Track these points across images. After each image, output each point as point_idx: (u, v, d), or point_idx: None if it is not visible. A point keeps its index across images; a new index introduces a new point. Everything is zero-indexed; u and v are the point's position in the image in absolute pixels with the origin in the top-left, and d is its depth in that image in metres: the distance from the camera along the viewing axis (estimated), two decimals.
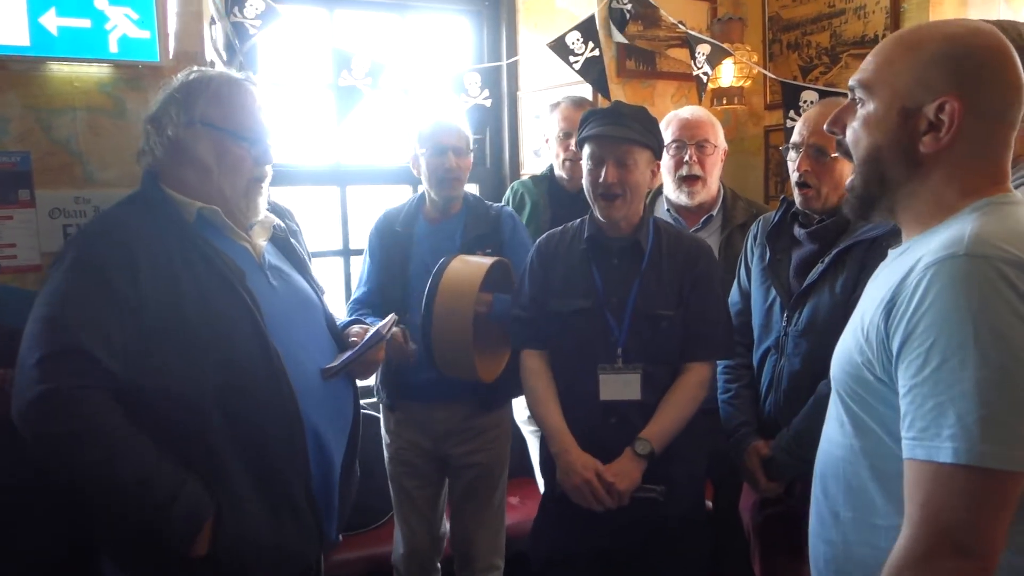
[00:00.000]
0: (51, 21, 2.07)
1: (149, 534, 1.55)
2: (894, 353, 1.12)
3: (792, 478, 2.13)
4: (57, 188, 2.16)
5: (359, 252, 2.79)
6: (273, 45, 3.21)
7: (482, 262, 2.32)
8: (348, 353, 1.89)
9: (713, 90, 3.53)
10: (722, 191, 2.81)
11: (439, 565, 2.74)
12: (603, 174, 2.06)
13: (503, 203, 2.91)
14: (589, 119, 2.13)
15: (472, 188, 3.52)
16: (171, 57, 2.22)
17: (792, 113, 3.28)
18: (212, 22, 2.51)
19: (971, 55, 1.16)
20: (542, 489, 2.31)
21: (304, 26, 3.17)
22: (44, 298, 1.56)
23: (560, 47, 3.17)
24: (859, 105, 1.25)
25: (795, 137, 2.15)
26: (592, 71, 3.19)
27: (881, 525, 1.21)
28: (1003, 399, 1.01)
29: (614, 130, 2.06)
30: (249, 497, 1.64)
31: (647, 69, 3.61)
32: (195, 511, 1.56)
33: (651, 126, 2.12)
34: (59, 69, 2.13)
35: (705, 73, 3.34)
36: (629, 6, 3.36)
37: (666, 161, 2.72)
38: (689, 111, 2.80)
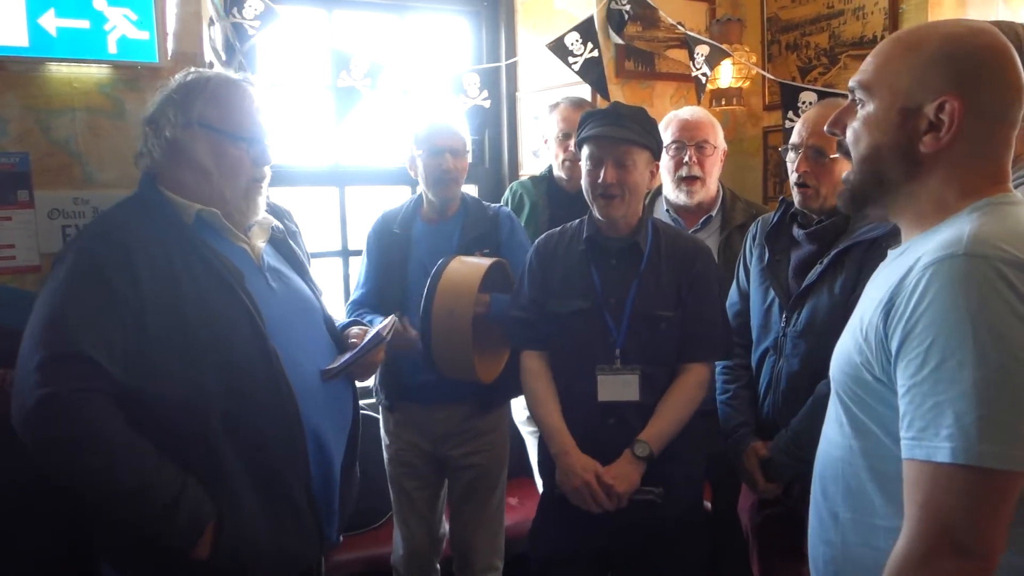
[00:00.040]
0: (50, 22, 2.07)
1: (151, 538, 1.55)
2: (893, 353, 1.12)
3: (790, 479, 2.13)
4: (56, 189, 2.15)
5: (358, 253, 2.79)
6: (272, 46, 3.21)
7: (480, 263, 2.32)
8: (348, 355, 1.88)
9: (712, 91, 3.53)
10: (721, 192, 2.81)
11: (438, 566, 2.74)
12: (602, 175, 2.06)
13: (502, 204, 2.91)
14: (588, 120, 2.13)
15: (471, 189, 3.53)
16: (170, 58, 2.22)
17: (791, 114, 3.29)
18: (211, 23, 2.51)
19: (971, 55, 1.16)
20: (541, 490, 2.31)
21: (303, 27, 3.17)
22: (44, 300, 1.56)
23: (559, 48, 3.17)
24: (859, 106, 1.25)
25: (794, 138, 2.16)
26: (591, 72, 3.19)
27: (880, 526, 1.21)
28: (1002, 399, 1.01)
29: (613, 131, 2.06)
30: (249, 499, 1.64)
31: (646, 70, 3.61)
32: (197, 515, 1.56)
33: (650, 127, 2.12)
34: (58, 70, 2.13)
35: (704, 74, 3.35)
36: (628, 7, 3.36)
37: (665, 162, 2.72)
38: (689, 112, 2.80)
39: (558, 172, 2.99)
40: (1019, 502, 1.05)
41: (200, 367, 1.59)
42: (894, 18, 3.19)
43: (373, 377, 2.59)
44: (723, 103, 3.57)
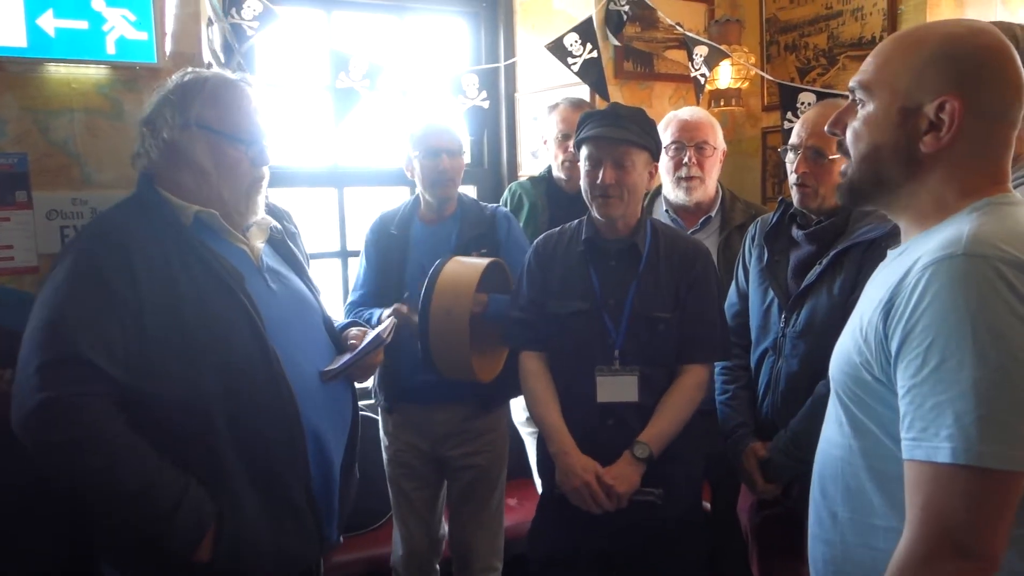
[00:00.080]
0: (48, 23, 2.07)
1: (152, 541, 1.55)
2: (893, 354, 1.12)
3: (790, 479, 2.13)
4: (54, 190, 2.15)
5: (357, 254, 2.79)
6: (271, 47, 3.21)
7: (478, 263, 2.32)
8: (348, 356, 1.88)
9: (711, 91, 3.54)
10: (721, 192, 2.81)
11: (438, 567, 2.74)
12: (600, 175, 2.06)
13: (501, 204, 2.91)
14: (587, 121, 2.13)
15: (470, 190, 3.53)
16: (168, 59, 2.22)
17: (789, 115, 3.29)
18: (209, 23, 2.51)
19: (971, 55, 1.16)
20: (540, 490, 2.31)
21: (302, 28, 3.17)
22: (43, 301, 1.56)
23: (558, 49, 3.17)
24: (860, 106, 1.25)
25: (793, 139, 2.16)
26: (591, 73, 3.19)
27: (879, 526, 1.21)
28: (1002, 399, 1.01)
29: (612, 132, 2.06)
30: (250, 500, 1.64)
31: (645, 71, 3.61)
32: (198, 517, 1.56)
33: (649, 128, 2.12)
34: (56, 70, 2.13)
35: (703, 75, 3.35)
36: (627, 7, 3.36)
37: (665, 162, 2.72)
38: (688, 112, 2.80)
39: (557, 173, 2.99)
40: (1021, 503, 1.05)
41: (199, 368, 1.59)
42: (892, 19, 3.19)
43: (372, 379, 2.59)
44: (722, 104, 3.57)
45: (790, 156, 2.16)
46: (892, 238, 1.78)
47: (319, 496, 1.77)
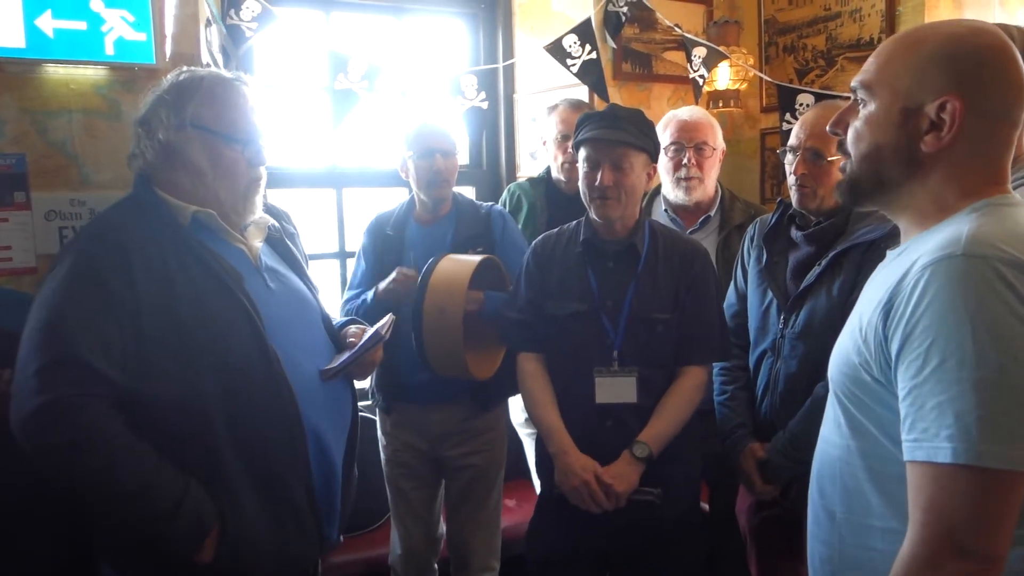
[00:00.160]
0: (47, 23, 2.07)
1: (152, 541, 1.55)
2: (893, 355, 1.12)
3: (788, 480, 2.13)
4: (53, 190, 2.15)
5: (355, 255, 2.79)
6: (269, 48, 3.21)
7: (470, 260, 2.32)
8: (347, 354, 1.88)
9: (709, 93, 3.54)
10: (720, 192, 2.81)
11: (436, 566, 2.74)
12: (599, 177, 2.06)
13: (500, 205, 2.91)
14: (585, 122, 2.13)
15: (468, 191, 3.53)
16: (167, 59, 2.21)
17: (788, 116, 3.29)
18: (208, 24, 2.51)
19: (972, 55, 1.16)
20: (538, 491, 2.31)
21: (300, 29, 3.17)
22: (41, 302, 1.56)
23: (557, 50, 3.18)
24: (861, 106, 1.25)
25: (792, 140, 2.16)
26: (590, 74, 3.20)
27: (877, 526, 1.21)
28: (1002, 399, 1.01)
29: (610, 133, 2.06)
30: (250, 500, 1.64)
31: (643, 72, 3.61)
32: (200, 518, 1.56)
33: (647, 129, 2.12)
34: (55, 71, 2.13)
35: (701, 76, 3.35)
36: (625, 9, 3.36)
37: (664, 162, 2.72)
38: (688, 112, 2.80)
39: (556, 174, 2.99)
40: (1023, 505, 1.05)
41: (197, 368, 1.58)
42: (891, 20, 3.19)
43: (369, 379, 2.59)
44: (720, 105, 3.58)
45: (789, 157, 2.16)
46: (891, 239, 1.78)
47: (320, 496, 1.76)
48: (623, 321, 2.09)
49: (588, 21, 3.18)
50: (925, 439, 1.05)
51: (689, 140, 2.71)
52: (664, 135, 2.71)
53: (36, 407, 1.46)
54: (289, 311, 1.81)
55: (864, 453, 1.22)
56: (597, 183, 2.07)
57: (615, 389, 2.07)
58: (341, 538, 1.92)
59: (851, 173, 1.27)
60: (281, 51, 3.28)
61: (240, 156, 1.74)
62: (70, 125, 2.16)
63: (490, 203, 2.73)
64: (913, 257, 1.14)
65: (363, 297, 2.52)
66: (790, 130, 2.21)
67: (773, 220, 2.28)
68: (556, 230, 2.29)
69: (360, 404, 2.04)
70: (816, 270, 2.09)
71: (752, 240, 2.34)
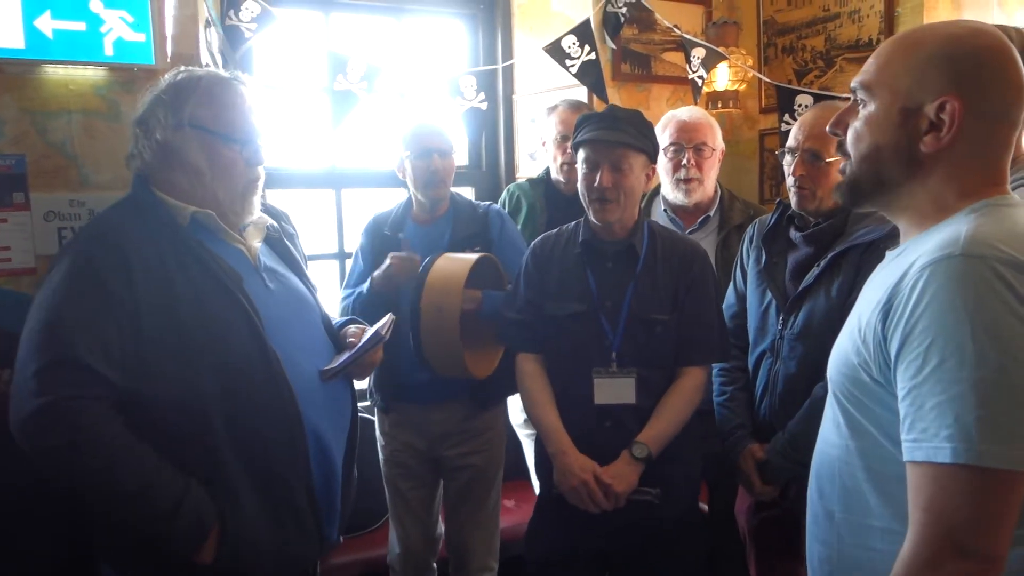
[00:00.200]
0: (46, 24, 2.07)
1: (152, 541, 1.55)
2: (892, 355, 1.12)
3: (787, 481, 2.13)
4: (52, 191, 2.15)
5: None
6: (269, 49, 3.21)
7: (466, 258, 2.32)
8: (347, 354, 1.88)
9: (708, 93, 3.54)
10: (719, 192, 2.81)
11: (435, 565, 2.74)
12: (598, 179, 2.06)
13: (499, 206, 2.91)
14: (584, 123, 2.13)
15: (468, 191, 3.53)
16: (167, 60, 2.21)
17: (787, 117, 3.29)
18: (208, 24, 2.51)
19: (971, 55, 1.16)
20: (537, 491, 2.31)
21: (300, 30, 3.17)
22: (40, 303, 1.56)
23: (556, 51, 3.18)
24: (861, 106, 1.25)
25: (790, 141, 2.16)
26: (589, 74, 3.20)
27: (876, 526, 1.21)
28: (1002, 399, 1.01)
29: (609, 134, 2.06)
30: (250, 500, 1.64)
31: (642, 73, 3.62)
32: (200, 518, 1.56)
33: (646, 130, 2.12)
34: (54, 72, 2.13)
35: (700, 77, 3.35)
36: (624, 10, 3.36)
37: (664, 163, 2.72)
38: (687, 113, 2.80)
39: (556, 175, 2.99)
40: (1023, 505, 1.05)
41: (196, 368, 1.58)
42: (890, 21, 3.19)
43: (368, 379, 2.59)
44: (719, 106, 3.58)
45: (787, 159, 2.16)
46: (891, 240, 1.78)
47: (320, 496, 1.76)
48: (622, 322, 2.09)
49: (587, 22, 3.19)
50: (925, 439, 1.05)
51: (688, 141, 2.71)
52: (663, 136, 2.71)
53: (35, 408, 1.46)
54: (288, 311, 1.81)
55: (863, 453, 1.22)
56: (596, 184, 2.07)
57: (614, 390, 2.07)
58: (341, 538, 1.92)
59: (851, 174, 1.28)
60: (280, 52, 3.28)
61: (238, 156, 1.74)
62: (69, 126, 2.16)
63: (488, 203, 2.73)
64: (912, 258, 1.14)
65: (359, 290, 2.52)
66: (789, 131, 2.22)
67: (772, 221, 2.28)
68: (555, 231, 2.29)
69: (359, 404, 2.04)
70: (815, 271, 2.09)
71: (751, 241, 2.34)
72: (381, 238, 2.60)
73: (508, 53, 3.67)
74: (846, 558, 1.27)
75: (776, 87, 3.41)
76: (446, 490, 2.69)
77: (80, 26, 2.10)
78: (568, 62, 3.18)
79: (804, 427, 2.01)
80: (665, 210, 2.83)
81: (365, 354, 1.89)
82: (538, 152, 3.32)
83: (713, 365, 2.29)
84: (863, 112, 1.25)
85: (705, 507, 2.70)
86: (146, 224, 1.65)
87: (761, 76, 3.62)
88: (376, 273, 2.46)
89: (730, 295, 2.40)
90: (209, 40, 2.54)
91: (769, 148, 3.74)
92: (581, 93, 3.29)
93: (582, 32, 3.17)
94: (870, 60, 1.26)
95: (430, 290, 2.24)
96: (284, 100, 3.30)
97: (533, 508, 2.31)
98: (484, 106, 3.23)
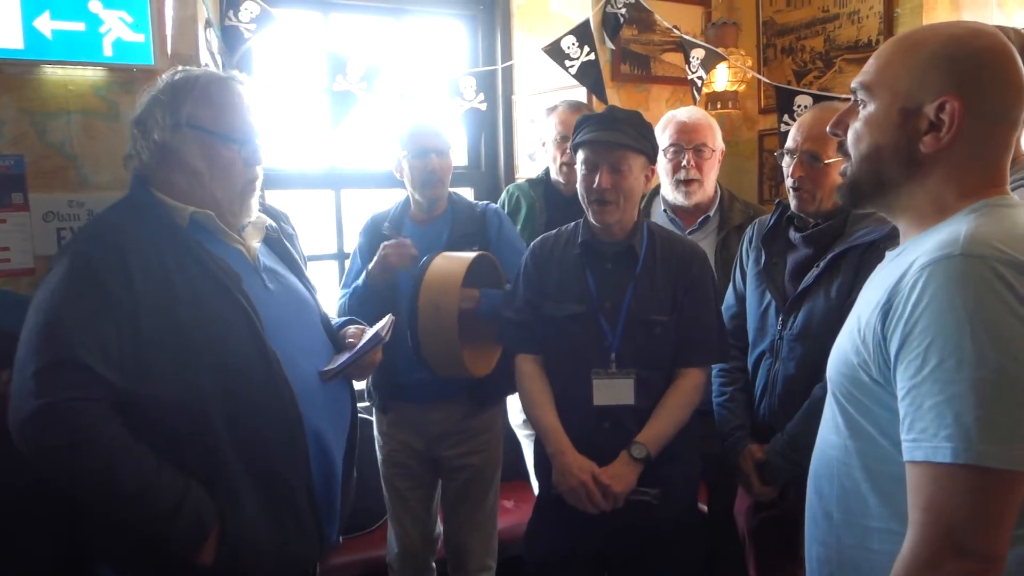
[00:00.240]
0: (45, 24, 2.07)
1: (153, 541, 1.55)
2: (892, 355, 1.12)
3: (786, 482, 2.13)
4: (51, 191, 2.15)
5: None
6: (268, 49, 3.21)
7: (464, 257, 2.32)
8: (347, 355, 1.88)
9: (707, 94, 3.54)
10: (719, 192, 2.81)
11: (434, 565, 2.74)
12: (597, 180, 2.06)
13: (499, 206, 2.91)
14: (583, 124, 2.13)
15: (467, 192, 3.53)
16: (166, 61, 2.21)
17: (786, 117, 3.29)
18: (207, 25, 2.51)
19: (971, 56, 1.16)
20: (537, 492, 2.31)
21: (299, 30, 3.17)
22: (39, 304, 1.55)
23: (555, 51, 3.18)
24: (861, 107, 1.25)
25: (789, 143, 2.16)
26: (588, 75, 3.20)
27: (874, 527, 1.21)
28: (1001, 399, 1.01)
29: (608, 135, 2.06)
30: (250, 501, 1.64)
31: (642, 73, 3.62)
32: (200, 518, 1.56)
33: (645, 131, 2.12)
34: (53, 72, 2.13)
35: (700, 77, 3.35)
36: (623, 11, 3.36)
37: (663, 164, 2.72)
38: (687, 113, 2.79)
39: (555, 175, 2.99)
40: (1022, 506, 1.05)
41: (195, 369, 1.58)
42: (889, 22, 3.19)
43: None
44: (718, 106, 3.58)
45: (786, 160, 2.16)
46: (890, 240, 1.78)
47: (320, 497, 1.76)
48: (621, 323, 2.09)
49: (587, 22, 3.19)
50: (924, 439, 1.05)
51: (688, 142, 2.71)
52: (663, 136, 2.71)
53: (34, 410, 1.46)
54: (288, 312, 1.81)
55: (862, 453, 1.22)
56: (595, 185, 2.06)
57: (613, 391, 2.07)
58: (340, 539, 1.92)
59: (851, 174, 1.28)
60: (280, 52, 3.28)
61: (236, 156, 1.74)
62: (69, 126, 2.16)
63: (485, 202, 2.73)
64: (911, 258, 1.14)
65: (355, 285, 2.52)
66: (788, 131, 2.21)
67: (771, 221, 2.28)
68: (554, 231, 2.29)
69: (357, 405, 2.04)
70: (814, 272, 2.09)
71: (751, 241, 2.34)
72: (379, 238, 2.60)
73: (507, 54, 3.67)
74: (845, 558, 1.27)
75: (775, 88, 3.41)
76: (444, 490, 2.69)
77: (79, 26, 2.10)
78: (567, 63, 3.18)
79: (803, 428, 2.01)
80: (665, 210, 2.83)
81: (365, 355, 1.89)
82: (537, 153, 3.32)
83: (713, 366, 2.29)
84: (863, 112, 1.25)
85: (704, 508, 2.70)
86: (145, 225, 1.65)
87: (760, 77, 3.62)
88: (370, 265, 2.45)
89: (729, 296, 2.40)
90: (209, 40, 2.54)
91: (768, 149, 3.74)
92: (580, 94, 3.29)
93: (581, 33, 3.17)
94: (870, 61, 1.26)
95: (428, 289, 2.24)
96: (283, 101, 3.30)
97: (532, 509, 2.31)
98: (483, 107, 3.23)
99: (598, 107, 3.15)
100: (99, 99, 2.19)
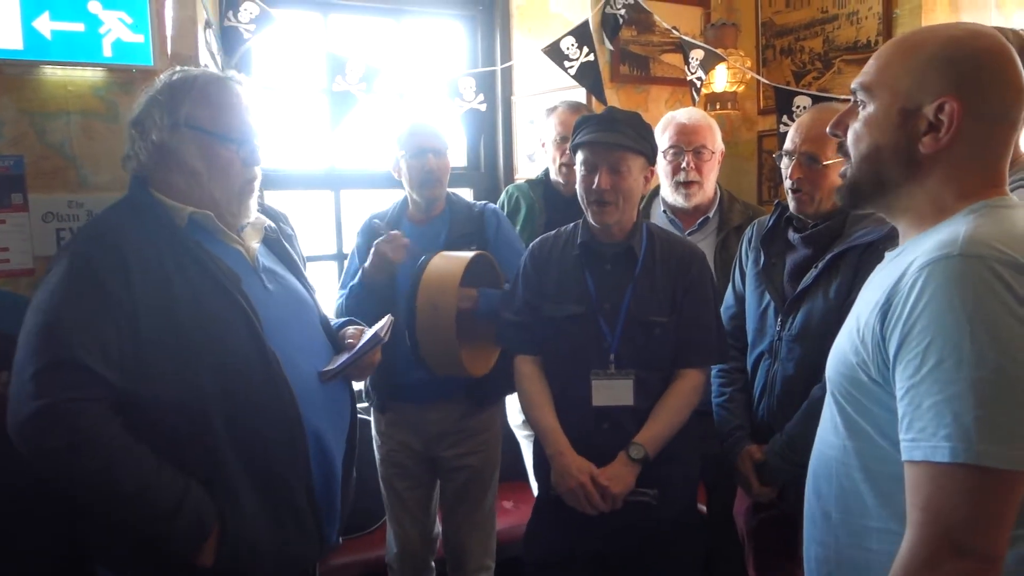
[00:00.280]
0: (45, 25, 2.07)
1: (154, 543, 1.55)
2: (891, 356, 1.12)
3: (785, 482, 2.13)
4: (51, 192, 2.15)
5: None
6: (268, 50, 3.21)
7: (462, 256, 2.33)
8: (346, 356, 1.88)
9: (707, 95, 3.54)
10: (719, 193, 2.81)
11: (433, 564, 2.74)
12: (596, 181, 2.06)
13: (498, 207, 2.91)
14: (582, 125, 2.13)
15: (466, 192, 3.54)
16: (166, 61, 2.21)
17: (785, 118, 3.29)
18: (207, 25, 2.51)
19: (971, 57, 1.16)
20: (535, 493, 2.31)
21: (298, 31, 3.17)
22: (38, 305, 1.55)
23: (555, 52, 3.18)
24: (861, 107, 1.26)
25: (787, 144, 2.16)
26: (587, 76, 3.20)
27: (873, 527, 1.21)
28: (1000, 398, 1.01)
29: (607, 136, 2.06)
30: (249, 501, 1.64)
31: (641, 74, 3.62)
32: (200, 518, 1.56)
33: (645, 132, 2.12)
34: (53, 73, 2.13)
35: (699, 78, 3.35)
36: (623, 11, 3.36)
37: (663, 165, 2.72)
38: (686, 115, 2.79)
39: (555, 176, 2.99)
40: (1022, 504, 1.05)
41: (195, 369, 1.58)
42: (888, 23, 3.19)
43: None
44: (718, 107, 3.58)
45: (784, 161, 2.16)
46: (889, 241, 1.78)
47: (320, 497, 1.76)
48: (620, 324, 2.09)
49: (586, 23, 3.19)
50: (923, 438, 1.05)
51: (688, 144, 2.71)
52: (663, 138, 2.71)
53: (34, 411, 1.46)
54: (287, 312, 1.81)
55: (861, 453, 1.23)
56: (594, 186, 2.07)
57: (612, 392, 2.07)
58: (340, 540, 1.92)
59: (851, 175, 1.28)
60: (279, 53, 3.28)
61: (235, 156, 1.74)
62: (68, 127, 2.16)
63: (484, 202, 2.73)
64: (910, 258, 1.14)
65: (352, 283, 2.52)
66: (787, 132, 2.22)
67: (770, 222, 2.28)
68: (553, 232, 2.29)
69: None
70: (813, 272, 2.09)
71: (750, 242, 2.34)
72: (377, 238, 2.60)
73: (507, 54, 3.67)
74: (844, 559, 1.27)
75: (774, 88, 3.42)
76: (443, 491, 2.69)
77: (79, 27, 2.10)
78: (567, 63, 3.18)
79: (802, 428, 2.01)
80: (664, 211, 2.83)
81: (364, 355, 1.89)
82: (537, 153, 3.32)
83: (712, 366, 2.29)
84: (863, 113, 1.25)
85: (703, 508, 2.70)
86: (144, 225, 1.65)
87: (759, 78, 3.62)
88: (366, 264, 2.45)
89: (728, 296, 2.40)
90: (208, 41, 2.54)
91: (768, 149, 3.74)
92: (580, 94, 3.29)
93: (581, 33, 3.17)
94: (870, 61, 1.26)
95: (426, 288, 2.25)
96: (283, 101, 3.30)
97: (531, 509, 2.31)
98: (483, 107, 3.24)
99: (597, 108, 3.15)
100: (98, 100, 2.19)
